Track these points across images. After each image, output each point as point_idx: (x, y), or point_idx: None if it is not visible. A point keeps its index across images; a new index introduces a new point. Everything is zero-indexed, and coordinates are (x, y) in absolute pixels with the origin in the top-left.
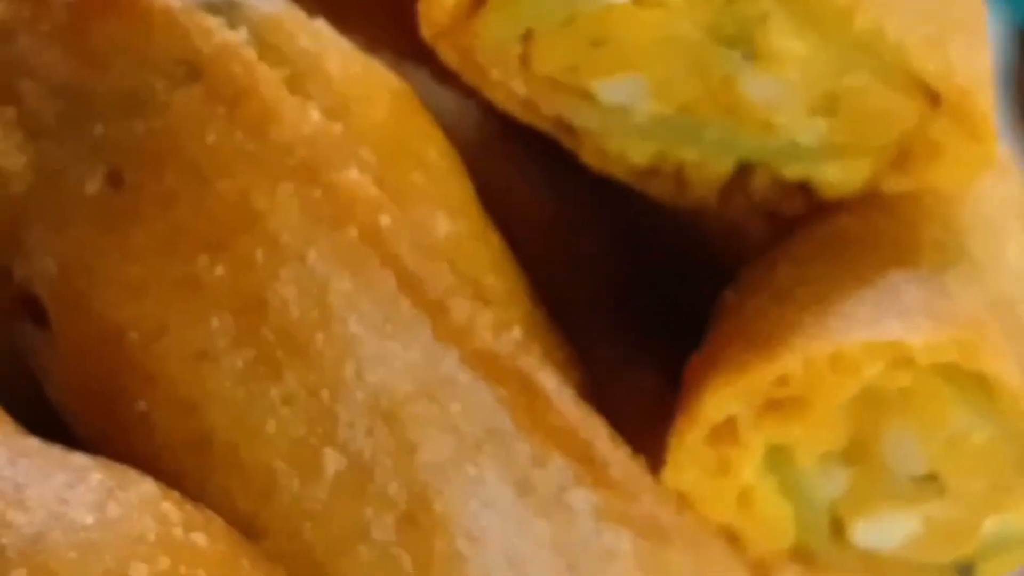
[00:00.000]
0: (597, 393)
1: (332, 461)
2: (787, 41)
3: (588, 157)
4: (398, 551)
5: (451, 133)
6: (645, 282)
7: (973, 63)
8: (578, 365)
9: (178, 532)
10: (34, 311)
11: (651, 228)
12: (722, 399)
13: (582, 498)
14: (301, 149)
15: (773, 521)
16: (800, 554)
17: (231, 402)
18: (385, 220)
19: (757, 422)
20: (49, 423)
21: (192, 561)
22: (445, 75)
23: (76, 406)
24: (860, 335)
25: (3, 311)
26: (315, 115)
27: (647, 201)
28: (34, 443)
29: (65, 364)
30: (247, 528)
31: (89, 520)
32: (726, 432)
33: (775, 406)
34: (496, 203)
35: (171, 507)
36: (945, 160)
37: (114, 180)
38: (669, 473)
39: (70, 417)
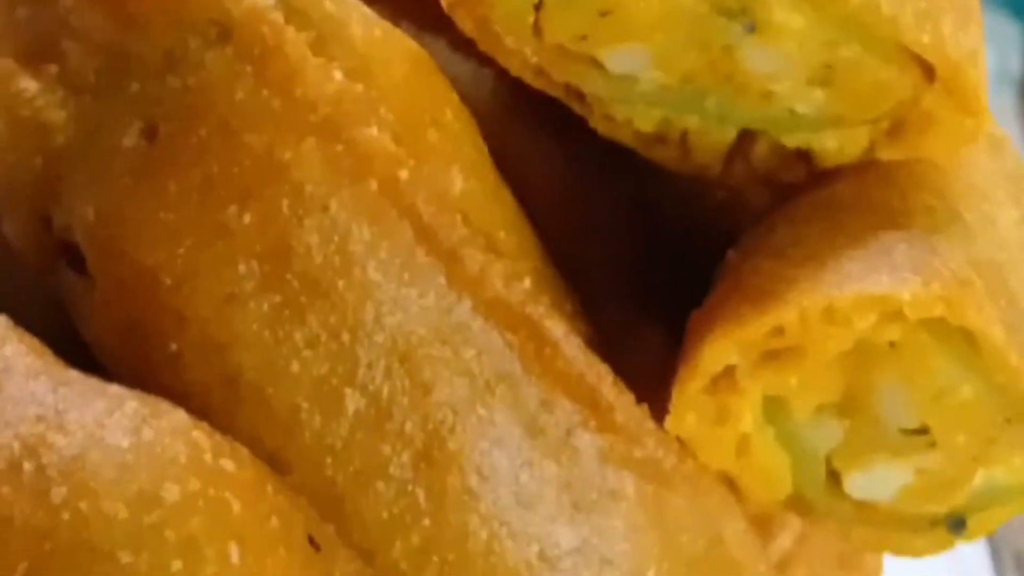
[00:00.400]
0: (606, 350)
1: (352, 400)
2: (785, 14)
3: (597, 123)
4: (414, 487)
5: (467, 100)
6: (653, 246)
7: (964, 38)
8: (585, 320)
9: (208, 457)
10: (72, 258)
11: (659, 195)
12: (721, 349)
13: (588, 441)
14: (324, 107)
15: (770, 471)
16: (797, 504)
17: (257, 343)
18: (403, 174)
19: (754, 372)
20: (86, 368)
21: (220, 484)
22: (462, 45)
23: (112, 347)
24: (852, 289)
25: (44, 259)
26: (338, 75)
27: (656, 168)
28: (74, 374)
29: (102, 307)
30: (272, 463)
31: (125, 443)
32: (725, 382)
33: (772, 357)
34: (510, 168)
35: (201, 435)
36: (938, 131)
37: (150, 133)
38: (672, 420)
39: (106, 358)
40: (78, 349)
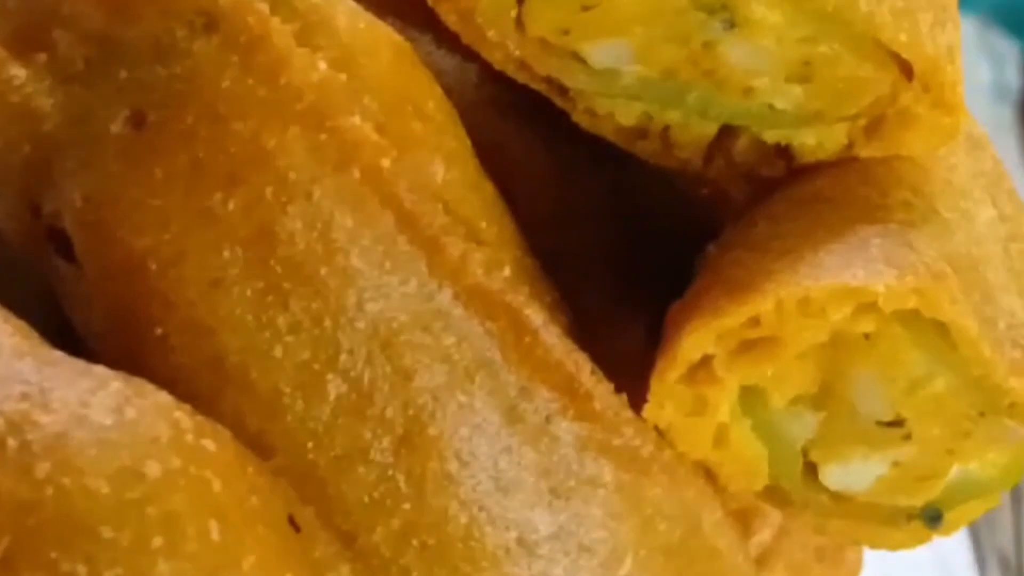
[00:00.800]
0: (585, 340)
1: (334, 385)
2: (763, 10)
3: (579, 117)
4: (394, 471)
5: (452, 95)
6: (635, 240)
7: (941, 36)
8: (565, 309)
9: (189, 437)
10: (61, 245)
11: (641, 189)
12: (699, 340)
13: (566, 428)
14: (309, 95)
15: (748, 461)
16: (774, 495)
17: (242, 328)
18: (385, 163)
19: (731, 362)
20: (74, 353)
21: (201, 463)
22: (447, 41)
23: (100, 332)
24: (827, 280)
25: (32, 245)
26: (322, 65)
27: (637, 162)
28: (59, 354)
29: (91, 293)
30: (256, 446)
31: (108, 421)
32: (703, 372)
33: (748, 347)
34: (493, 161)
35: (183, 415)
36: (916, 128)
37: (137, 120)
38: (650, 410)
39: (94, 343)
40: (66, 334)
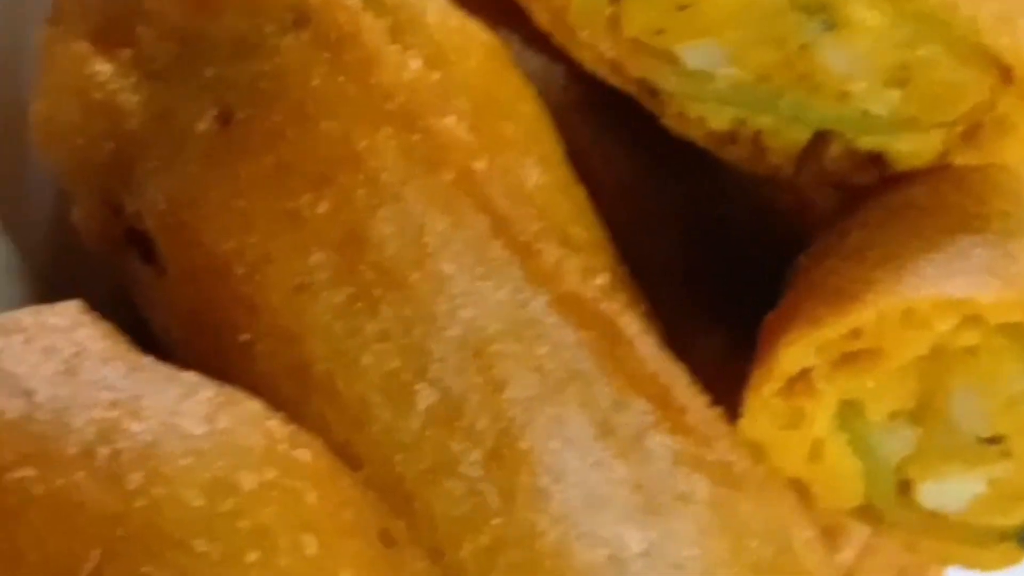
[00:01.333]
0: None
1: (424, 395)
2: (864, 11)
3: (670, 120)
4: (484, 485)
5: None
6: (713, 250)
7: None
8: (655, 322)
9: (283, 447)
10: (141, 247)
11: (720, 198)
12: (798, 351)
13: (660, 442)
14: (401, 95)
15: (842, 477)
16: (867, 513)
17: (329, 335)
18: (479, 165)
19: (831, 374)
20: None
21: (295, 474)
22: (535, 40)
23: (180, 336)
24: (931, 291)
25: (112, 246)
26: (414, 63)
27: (718, 172)
28: (147, 360)
29: (172, 296)
30: (341, 458)
31: (200, 431)
32: (800, 385)
33: (848, 359)
34: (574, 165)
35: (276, 424)
36: (1014, 135)
37: (224, 119)
38: (745, 424)
39: (174, 348)
40: (141, 341)
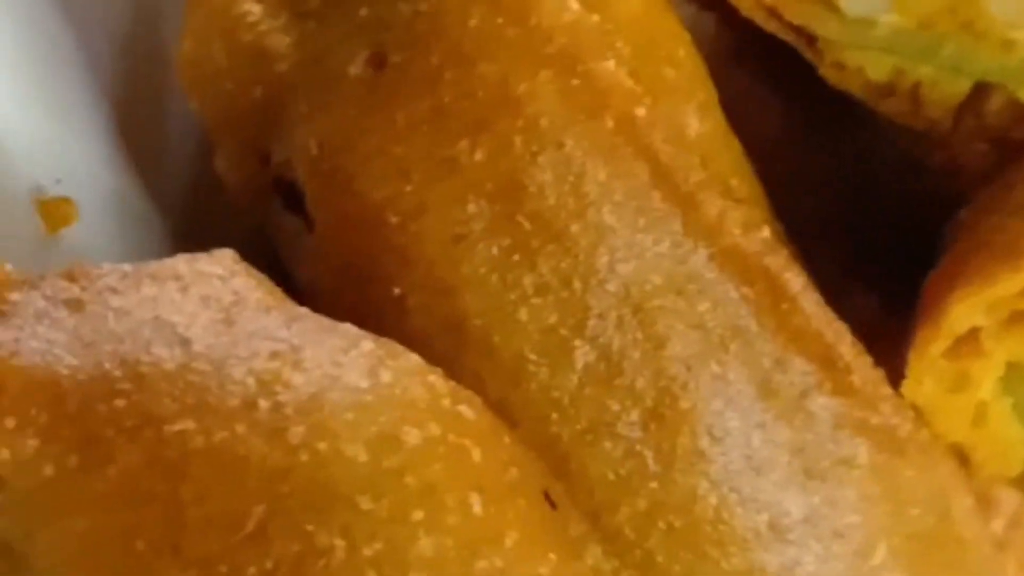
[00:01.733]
0: None
1: (581, 352)
2: None
3: (827, 71)
4: (643, 447)
5: None
6: (867, 208)
7: None
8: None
9: (446, 402)
10: (289, 197)
11: (874, 156)
12: (967, 310)
13: (822, 404)
14: (560, 37)
15: (1006, 443)
16: None
17: (485, 288)
18: (640, 111)
19: (1001, 333)
20: None
21: (460, 430)
22: None
23: (328, 290)
24: None
25: (257, 197)
26: (574, 5)
27: (871, 129)
28: (303, 310)
29: (320, 247)
30: (497, 415)
31: (364, 384)
32: (967, 346)
33: (1019, 318)
34: (727, 118)
35: (438, 379)
36: None
37: (378, 61)
38: (909, 386)
39: (320, 302)
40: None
